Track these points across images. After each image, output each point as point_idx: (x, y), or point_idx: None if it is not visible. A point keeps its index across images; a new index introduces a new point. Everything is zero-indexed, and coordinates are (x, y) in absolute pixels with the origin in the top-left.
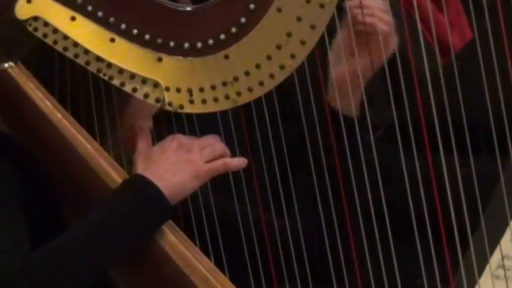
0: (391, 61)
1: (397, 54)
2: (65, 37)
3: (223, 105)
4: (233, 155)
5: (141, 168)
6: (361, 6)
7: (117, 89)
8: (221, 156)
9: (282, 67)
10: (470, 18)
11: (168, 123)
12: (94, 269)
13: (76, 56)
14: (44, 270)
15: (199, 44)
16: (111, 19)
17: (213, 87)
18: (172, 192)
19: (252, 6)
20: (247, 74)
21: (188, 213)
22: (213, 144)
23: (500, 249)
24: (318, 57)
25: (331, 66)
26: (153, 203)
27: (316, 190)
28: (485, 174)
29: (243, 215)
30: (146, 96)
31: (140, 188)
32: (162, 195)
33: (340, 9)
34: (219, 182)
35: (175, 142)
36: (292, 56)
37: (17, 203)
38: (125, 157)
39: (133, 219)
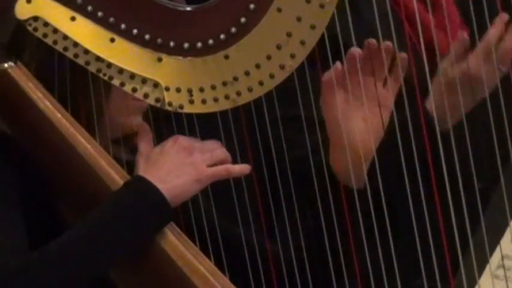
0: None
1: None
2: (65, 37)
3: (223, 105)
4: (233, 155)
5: (142, 170)
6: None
7: (93, 82)
8: (223, 161)
9: (281, 67)
10: (469, 17)
11: (168, 123)
12: (93, 270)
13: (76, 56)
14: (43, 270)
15: (199, 44)
16: (111, 19)
17: (213, 87)
18: (174, 194)
19: (252, 6)
20: (247, 74)
21: (188, 214)
22: (215, 149)
23: (500, 249)
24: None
25: (333, 129)
26: (154, 205)
27: (316, 190)
28: (485, 174)
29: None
30: (146, 96)
31: (141, 191)
32: (163, 198)
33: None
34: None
35: (177, 144)
36: (292, 56)
37: (16, 202)
38: (124, 157)
39: (134, 222)
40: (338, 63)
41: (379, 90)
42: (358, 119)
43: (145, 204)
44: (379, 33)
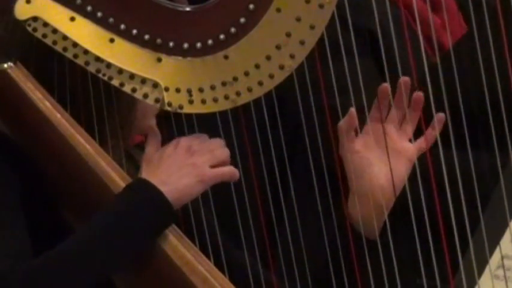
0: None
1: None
2: (65, 37)
3: (223, 105)
4: (233, 155)
5: (145, 172)
6: None
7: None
8: (224, 162)
9: (281, 67)
10: (469, 15)
11: (168, 123)
12: (96, 275)
13: (75, 56)
14: (47, 275)
15: (198, 44)
16: (111, 19)
17: (213, 88)
18: (176, 196)
19: (251, 6)
20: (246, 74)
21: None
22: (217, 148)
23: (500, 250)
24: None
25: (353, 175)
26: (156, 208)
27: (315, 187)
28: (485, 174)
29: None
30: (145, 96)
31: (143, 194)
32: (166, 201)
33: None
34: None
35: (180, 145)
36: (292, 56)
37: (17, 204)
38: (124, 155)
39: (138, 226)
40: (352, 110)
41: (401, 142)
42: (376, 167)
43: (149, 207)
44: (379, 32)
